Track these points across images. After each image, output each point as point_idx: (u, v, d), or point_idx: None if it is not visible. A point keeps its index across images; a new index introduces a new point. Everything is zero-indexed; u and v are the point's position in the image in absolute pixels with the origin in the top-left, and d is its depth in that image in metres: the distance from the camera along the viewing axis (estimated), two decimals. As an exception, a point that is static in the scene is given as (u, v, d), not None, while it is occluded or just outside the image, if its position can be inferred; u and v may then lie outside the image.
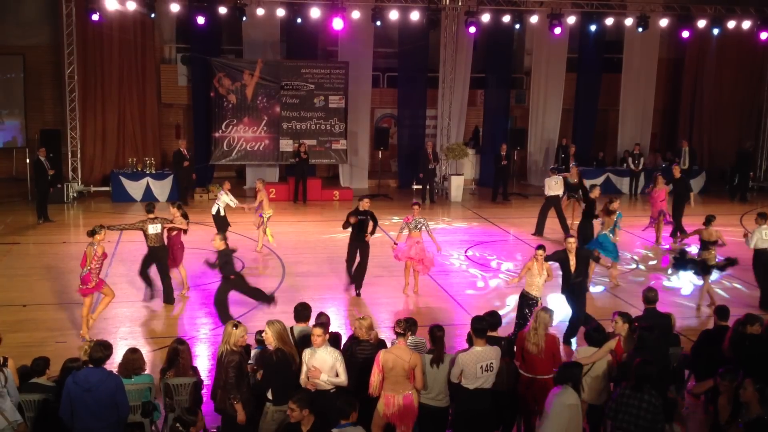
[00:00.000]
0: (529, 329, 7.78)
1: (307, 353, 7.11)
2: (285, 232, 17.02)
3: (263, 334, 7.27)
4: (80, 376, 6.62)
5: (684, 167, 20.79)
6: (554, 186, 17.12)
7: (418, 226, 12.52)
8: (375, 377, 7.07)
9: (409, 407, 7.11)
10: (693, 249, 15.44)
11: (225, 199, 14.80)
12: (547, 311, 7.83)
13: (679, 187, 17.06)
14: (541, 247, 10.38)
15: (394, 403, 7.07)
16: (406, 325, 7.30)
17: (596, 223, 14.21)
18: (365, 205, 12.64)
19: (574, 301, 10.57)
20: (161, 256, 11.96)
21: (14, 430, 6.87)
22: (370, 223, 12.64)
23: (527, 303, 10.18)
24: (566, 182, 17.37)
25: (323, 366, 6.97)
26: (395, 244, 12.96)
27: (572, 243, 10.55)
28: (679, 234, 16.55)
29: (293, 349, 7.21)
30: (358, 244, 12.65)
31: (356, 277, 12.81)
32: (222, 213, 14.82)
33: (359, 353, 7.52)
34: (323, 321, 7.62)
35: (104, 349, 6.85)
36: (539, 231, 17.27)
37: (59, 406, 6.76)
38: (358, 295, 12.75)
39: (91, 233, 10.45)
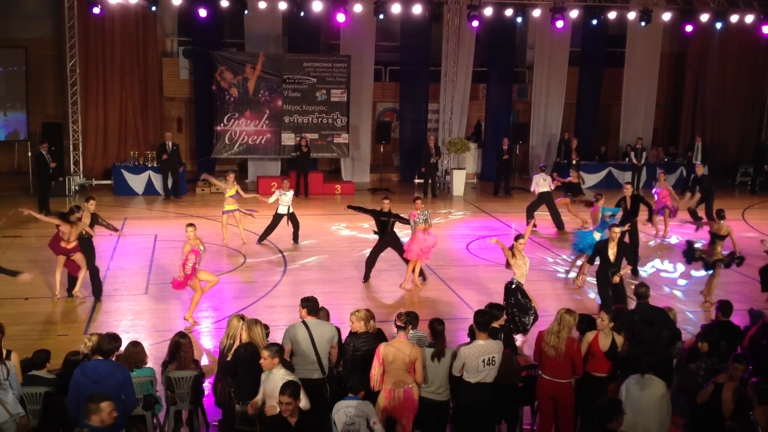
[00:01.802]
0: (549, 331, 7.47)
1: (263, 375, 6.84)
2: (286, 226, 17.03)
3: (240, 330, 7.27)
4: (89, 367, 6.66)
5: (696, 162, 20.84)
6: (542, 183, 17.16)
7: (425, 219, 12.69)
8: (375, 371, 7.06)
9: (410, 401, 7.11)
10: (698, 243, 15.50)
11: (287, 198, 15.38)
12: (572, 314, 7.52)
13: (703, 185, 17.16)
14: (520, 236, 10.65)
15: (395, 396, 7.08)
16: (407, 319, 7.30)
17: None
18: (387, 206, 12.92)
19: (603, 291, 10.79)
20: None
21: (16, 423, 6.88)
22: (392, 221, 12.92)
23: (514, 290, 10.41)
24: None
25: (274, 392, 6.56)
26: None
27: (616, 232, 10.78)
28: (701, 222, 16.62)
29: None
30: (387, 241, 12.98)
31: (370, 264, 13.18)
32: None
33: (362, 346, 7.50)
34: (275, 345, 6.94)
35: (113, 341, 6.94)
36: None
37: (60, 398, 6.78)
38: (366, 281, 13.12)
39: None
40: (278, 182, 16.65)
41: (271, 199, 15.41)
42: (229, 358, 7.32)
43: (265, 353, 6.73)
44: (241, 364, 7.01)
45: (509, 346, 7.82)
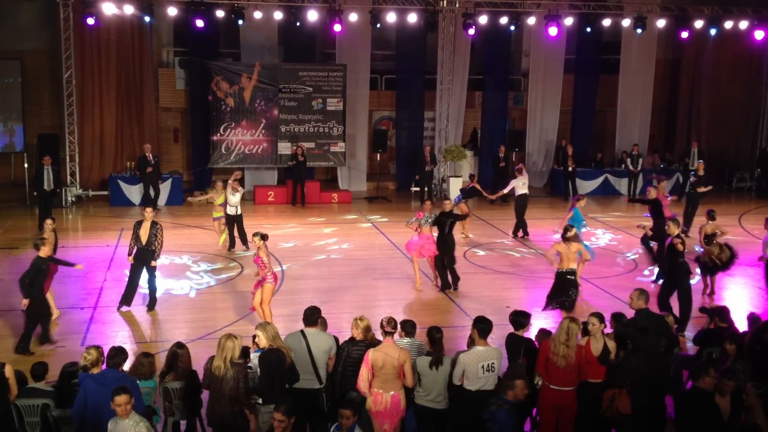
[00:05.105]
0: (556, 342, 7.35)
1: (110, 424, 6.26)
2: (283, 235, 17.04)
3: (256, 338, 7.30)
4: (97, 374, 6.88)
5: (693, 167, 20.97)
6: (521, 186, 17.20)
7: (429, 221, 12.87)
8: (364, 376, 7.12)
9: (396, 406, 7.17)
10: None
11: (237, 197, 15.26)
12: (576, 322, 7.49)
13: (705, 183, 17.65)
14: (569, 227, 11.43)
15: (382, 400, 7.12)
16: (395, 323, 7.37)
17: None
18: (448, 206, 13.29)
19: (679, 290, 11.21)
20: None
21: None
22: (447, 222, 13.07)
23: (568, 280, 11.15)
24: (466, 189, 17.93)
25: None
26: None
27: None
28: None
29: (286, 347, 7.26)
30: (444, 242, 13.05)
31: (451, 273, 13.19)
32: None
33: (355, 353, 7.53)
34: (127, 388, 6.34)
35: (121, 353, 7.13)
36: (520, 230, 17.43)
37: (58, 410, 6.76)
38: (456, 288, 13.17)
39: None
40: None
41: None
42: (252, 367, 7.36)
43: (121, 399, 6.16)
44: (273, 369, 7.08)
45: (527, 356, 7.75)
